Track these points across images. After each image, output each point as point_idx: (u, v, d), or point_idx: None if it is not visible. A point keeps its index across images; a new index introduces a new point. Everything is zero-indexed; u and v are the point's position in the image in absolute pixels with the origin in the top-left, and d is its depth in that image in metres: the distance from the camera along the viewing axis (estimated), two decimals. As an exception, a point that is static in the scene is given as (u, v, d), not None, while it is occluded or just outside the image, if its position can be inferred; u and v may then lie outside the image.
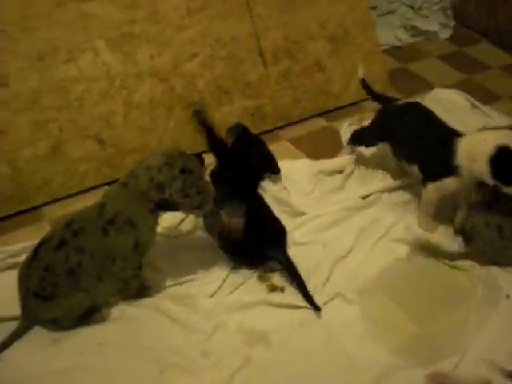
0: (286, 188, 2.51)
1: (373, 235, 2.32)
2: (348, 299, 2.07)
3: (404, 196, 2.50)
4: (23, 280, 1.83)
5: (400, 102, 2.43)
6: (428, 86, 3.26)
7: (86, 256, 1.82)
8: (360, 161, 2.67)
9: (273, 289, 2.09)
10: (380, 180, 2.57)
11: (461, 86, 3.25)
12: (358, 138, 2.60)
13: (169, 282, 2.09)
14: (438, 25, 3.86)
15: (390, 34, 3.74)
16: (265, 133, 2.80)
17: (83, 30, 2.41)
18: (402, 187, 2.54)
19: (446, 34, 3.88)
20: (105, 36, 2.44)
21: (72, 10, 2.39)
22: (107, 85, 2.46)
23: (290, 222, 2.32)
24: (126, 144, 2.52)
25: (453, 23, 3.95)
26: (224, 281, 2.11)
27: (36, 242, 1.86)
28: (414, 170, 2.30)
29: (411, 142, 2.29)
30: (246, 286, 2.11)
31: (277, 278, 2.13)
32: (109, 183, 2.44)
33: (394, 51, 3.62)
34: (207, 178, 1.97)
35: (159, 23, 2.56)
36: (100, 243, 1.83)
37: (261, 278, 2.13)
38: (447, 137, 2.16)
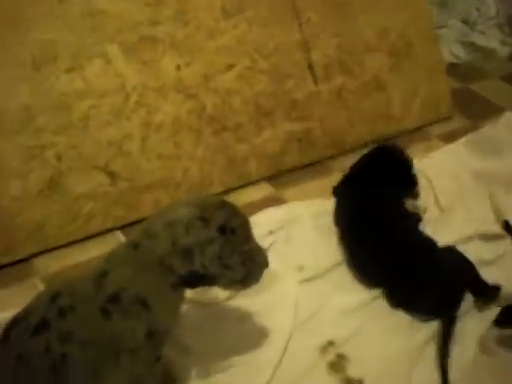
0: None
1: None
2: None
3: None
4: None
5: None
6: (497, 110, 2.83)
7: (74, 346, 1.27)
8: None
9: (348, 383, 1.57)
10: (465, 227, 2.06)
11: None
12: None
13: (201, 370, 1.58)
14: (496, 42, 3.46)
15: (446, 50, 3.29)
16: (313, 164, 2.39)
17: (92, 32, 2.00)
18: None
19: (505, 52, 3.46)
20: (119, 39, 2.03)
21: (78, 4, 1.97)
22: (121, 101, 2.04)
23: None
24: (143, 177, 2.08)
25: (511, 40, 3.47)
26: (276, 369, 1.59)
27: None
28: None
29: None
30: (309, 379, 1.58)
31: (353, 367, 1.61)
32: (121, 228, 2.03)
33: (452, 69, 3.18)
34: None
35: (188, 26, 2.13)
36: (97, 329, 1.30)
37: (332, 368, 1.61)
38: None
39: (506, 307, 1.69)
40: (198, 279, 1.35)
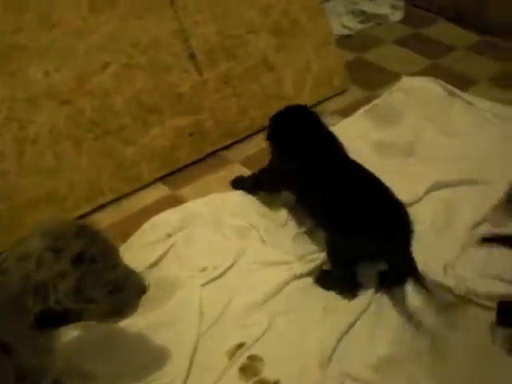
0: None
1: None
2: (364, 381, 1.50)
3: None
4: None
5: None
6: (392, 76, 2.79)
7: None
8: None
9: (263, 386, 1.47)
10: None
11: (429, 73, 2.81)
12: None
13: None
14: (387, 7, 3.43)
15: (336, 23, 3.25)
16: (209, 156, 2.28)
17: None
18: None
19: (397, 16, 3.43)
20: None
21: None
22: (-12, 118, 1.83)
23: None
24: (23, 195, 1.91)
25: (402, 4, 3.50)
26: (185, 382, 1.49)
27: None
28: None
29: None
30: (221, 386, 1.49)
31: (268, 368, 1.53)
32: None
33: (345, 41, 3.14)
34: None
35: (54, 28, 1.97)
36: None
37: (245, 372, 1.52)
38: None
39: (499, 306, 1.61)
40: (56, 317, 1.21)
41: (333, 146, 1.87)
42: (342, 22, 3.30)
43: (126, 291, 1.27)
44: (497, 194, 2.03)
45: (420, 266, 1.76)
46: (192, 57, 2.22)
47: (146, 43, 2.12)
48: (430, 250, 1.85)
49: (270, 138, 1.93)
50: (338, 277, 1.75)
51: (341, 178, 1.77)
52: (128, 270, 1.29)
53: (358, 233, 1.65)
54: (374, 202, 1.68)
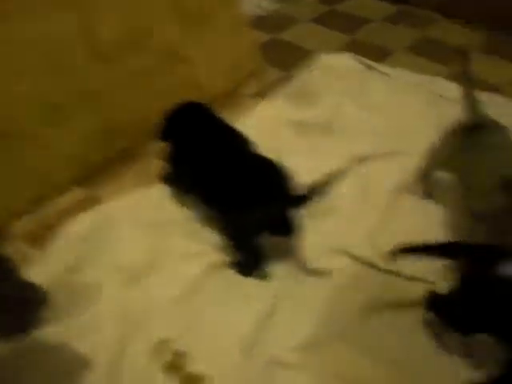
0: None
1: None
2: (289, 363, 1.49)
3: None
4: None
5: None
6: (310, 55, 2.78)
7: None
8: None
9: (190, 381, 1.46)
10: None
11: (347, 48, 2.82)
12: None
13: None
14: None
15: (250, 3, 3.23)
16: (124, 154, 2.20)
17: None
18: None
19: None
20: None
21: None
22: None
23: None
24: None
25: (317, -19, 3.47)
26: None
27: None
28: None
29: None
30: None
31: (193, 362, 1.52)
32: None
33: (259, 21, 3.11)
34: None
35: None
36: None
37: (169, 369, 1.49)
38: None
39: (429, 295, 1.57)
40: None
41: (224, 136, 1.89)
42: (256, 3, 3.28)
43: (27, 305, 1.23)
44: (416, 165, 2.03)
45: (344, 241, 1.76)
46: (100, 53, 2.13)
47: (49, 42, 1.99)
48: (351, 225, 1.85)
49: (163, 137, 1.94)
50: (246, 258, 1.76)
51: (225, 164, 1.79)
52: (25, 282, 1.25)
53: (245, 206, 1.66)
54: (253, 178, 1.71)
